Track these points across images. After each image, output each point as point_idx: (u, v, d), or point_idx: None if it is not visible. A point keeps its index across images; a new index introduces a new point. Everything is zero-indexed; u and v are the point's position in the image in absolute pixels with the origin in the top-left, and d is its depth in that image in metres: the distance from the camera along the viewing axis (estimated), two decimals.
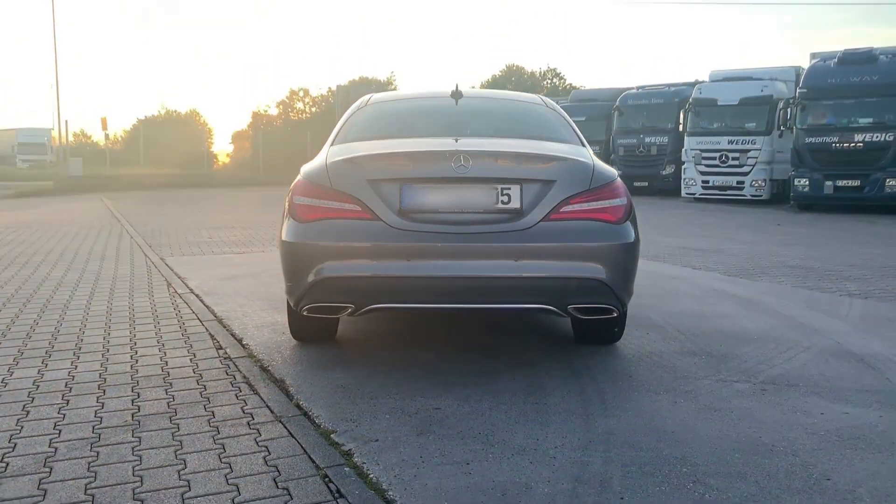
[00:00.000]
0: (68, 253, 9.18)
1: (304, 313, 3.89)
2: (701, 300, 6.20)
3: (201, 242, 10.30)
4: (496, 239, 3.67)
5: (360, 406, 3.52)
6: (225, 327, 5.15)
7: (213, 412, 3.51)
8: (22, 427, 3.32)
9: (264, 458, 2.97)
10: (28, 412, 3.51)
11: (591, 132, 27.92)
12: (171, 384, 3.92)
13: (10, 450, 3.06)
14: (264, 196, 22.10)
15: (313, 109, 54.65)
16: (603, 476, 2.79)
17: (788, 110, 19.17)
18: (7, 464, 2.93)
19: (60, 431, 3.26)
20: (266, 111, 57.71)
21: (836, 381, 3.97)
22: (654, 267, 8.10)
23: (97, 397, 3.72)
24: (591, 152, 4.32)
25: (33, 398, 3.70)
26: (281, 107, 57.74)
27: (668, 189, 23.62)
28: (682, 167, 22.42)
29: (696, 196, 21.54)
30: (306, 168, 4.06)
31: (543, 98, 5.20)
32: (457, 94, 4.77)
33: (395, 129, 4.59)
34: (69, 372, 4.12)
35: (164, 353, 4.52)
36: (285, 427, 3.28)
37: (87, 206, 18.37)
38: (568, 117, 4.80)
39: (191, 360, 4.37)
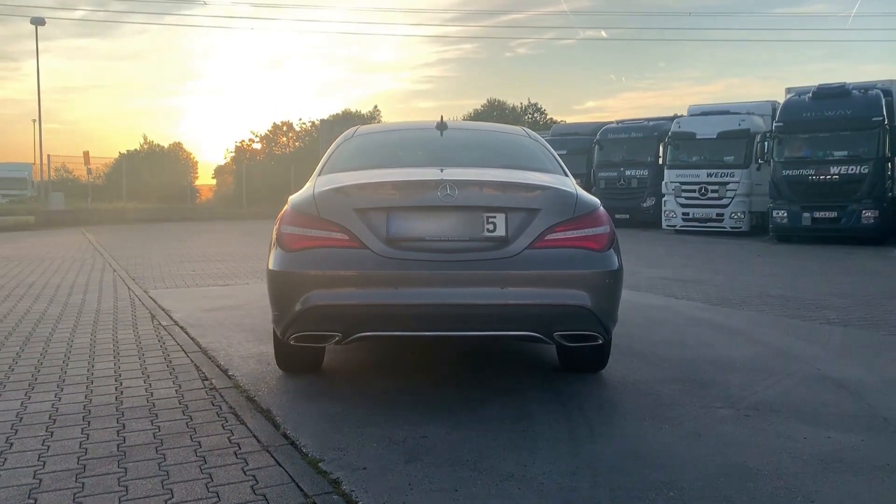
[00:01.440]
0: (50, 286, 9.12)
1: (292, 342, 3.90)
2: (683, 329, 6.26)
3: (185, 275, 10.26)
4: (482, 266, 3.72)
5: (347, 435, 3.52)
6: (210, 358, 5.14)
7: (199, 442, 3.49)
8: (5, 459, 3.29)
9: (252, 487, 2.96)
10: (11, 444, 3.48)
11: (572, 165, 27.86)
12: (156, 415, 3.90)
13: None
14: (248, 229, 22.07)
15: (297, 143, 54.92)
16: (592, 501, 2.80)
17: (766, 143, 19.57)
18: None
19: (45, 463, 3.24)
20: (249, 144, 58.00)
21: (819, 406, 4.03)
22: (636, 297, 8.17)
23: (81, 428, 3.70)
24: (574, 182, 4.39)
25: (16, 430, 3.67)
26: (264, 141, 58.03)
27: (650, 221, 23.90)
28: (663, 199, 22.70)
29: (677, 228, 21.77)
30: (294, 198, 4.10)
31: (526, 129, 5.29)
32: (441, 126, 4.85)
33: (382, 159, 4.65)
34: (53, 404, 4.09)
35: (150, 384, 4.50)
36: (272, 456, 3.27)
37: (68, 239, 18.24)
38: (550, 148, 4.89)
39: (176, 391, 4.35)
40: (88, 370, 4.83)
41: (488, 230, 3.80)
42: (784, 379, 4.59)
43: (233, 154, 53.07)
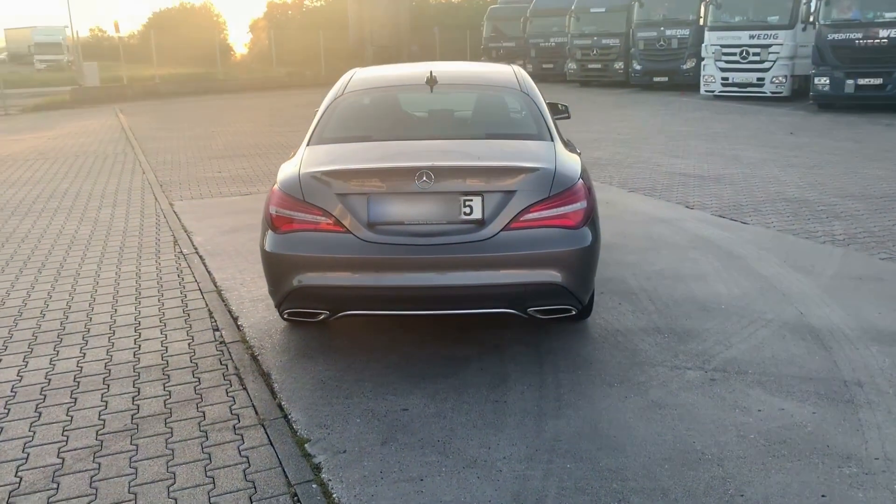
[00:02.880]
0: (82, 195, 9.52)
1: (285, 316, 4.20)
2: (682, 254, 6.39)
3: (210, 179, 10.55)
4: (458, 250, 3.89)
5: (335, 408, 3.87)
6: (224, 301, 5.49)
7: (203, 413, 3.88)
8: (34, 433, 3.72)
9: (244, 471, 3.34)
10: (40, 414, 3.91)
11: (610, 25, 27.31)
12: (168, 377, 4.30)
13: (24, 461, 3.47)
14: (277, 104, 22.09)
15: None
16: (539, 493, 3.13)
17: (812, 4, 18.52)
18: (20, 478, 3.34)
19: (68, 438, 3.66)
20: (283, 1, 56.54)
21: (785, 366, 4.23)
22: (647, 206, 8.25)
23: (102, 394, 4.11)
24: (560, 147, 4.45)
25: (45, 395, 4.10)
26: None
27: (689, 84, 23.18)
28: (702, 63, 21.90)
29: (716, 93, 21.15)
30: (282, 175, 4.25)
31: (517, 73, 5.24)
32: (431, 81, 4.86)
33: (368, 128, 4.74)
34: (78, 363, 4.50)
35: (166, 335, 4.90)
36: (266, 433, 3.64)
37: (101, 123, 18.59)
38: (540, 102, 4.88)
39: (189, 344, 4.73)
40: (111, 317, 5.24)
41: (465, 213, 3.94)
42: (762, 328, 4.77)
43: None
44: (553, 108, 6.64)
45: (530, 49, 31.53)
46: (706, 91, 21.53)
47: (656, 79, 25.08)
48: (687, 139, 13.46)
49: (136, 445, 3.59)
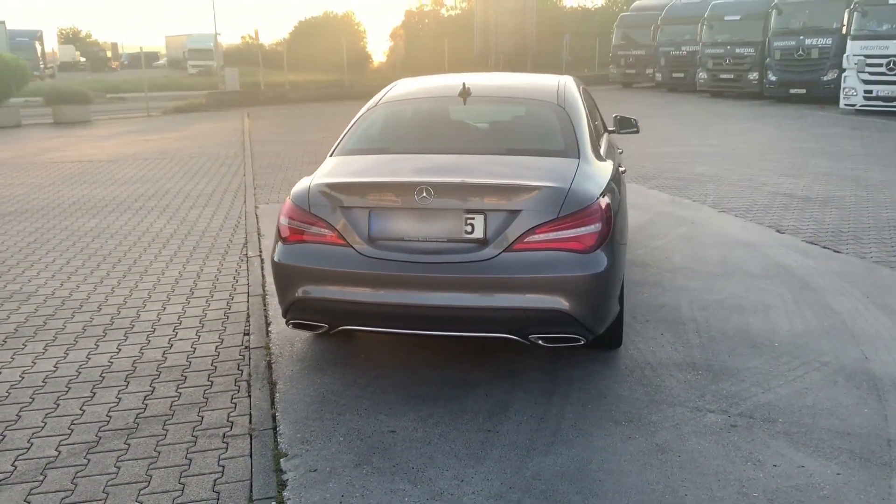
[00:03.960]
0: (180, 195, 10.03)
1: (290, 325, 4.19)
2: (753, 283, 5.90)
3: None
4: (458, 270, 3.74)
5: (324, 422, 3.81)
6: (265, 305, 5.58)
7: (202, 417, 3.93)
8: (45, 424, 3.90)
9: (215, 481, 3.34)
10: (58, 405, 4.09)
11: (745, 33, 25.96)
12: (185, 378, 4.39)
13: (25, 451, 3.64)
14: None
15: (464, 5, 54.09)
16: None
17: None
18: (15, 468, 3.49)
19: (72, 432, 3.80)
20: (421, 8, 57.90)
21: (824, 416, 3.79)
22: (733, 228, 7.72)
23: (119, 391, 4.25)
24: (587, 165, 4.21)
25: (69, 388, 4.29)
26: (435, 3, 57.59)
27: (829, 97, 21.61)
28: (843, 75, 20.36)
29: (857, 107, 19.60)
30: (296, 186, 4.25)
31: (561, 86, 4.99)
32: (465, 94, 4.73)
33: (390, 140, 4.68)
34: (110, 358, 4.70)
35: (199, 335, 5.03)
36: (251, 443, 3.64)
37: (226, 126, 19.59)
38: (577, 117, 4.62)
39: (216, 347, 4.83)
40: (158, 315, 5.44)
41: (466, 231, 3.79)
42: (813, 371, 4.31)
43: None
44: (624, 122, 6.35)
45: (660, 58, 30.54)
46: (846, 105, 20.01)
47: (793, 91, 23.59)
48: (807, 157, 12.52)
49: (129, 445, 3.68)
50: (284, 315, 4.19)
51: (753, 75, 25.51)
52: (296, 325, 4.14)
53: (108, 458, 3.57)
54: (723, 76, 26.76)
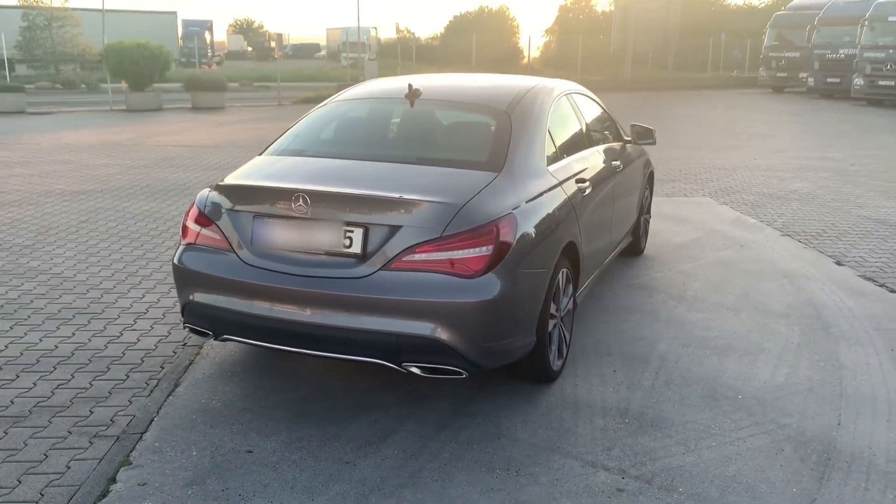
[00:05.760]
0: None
1: (186, 329, 4.07)
2: (762, 322, 5.19)
3: None
4: (330, 286, 3.47)
5: (190, 435, 3.65)
6: None
7: (92, 412, 3.89)
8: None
9: (49, 482, 3.27)
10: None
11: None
12: (108, 370, 4.38)
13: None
14: None
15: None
16: None
17: None
18: None
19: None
20: (574, 3, 56.93)
21: (735, 493, 3.20)
22: (782, 255, 6.87)
23: (41, 377, 4.27)
24: (513, 181, 3.79)
25: (1, 368, 4.41)
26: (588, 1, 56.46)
27: None
28: None
29: None
30: (203, 189, 4.13)
31: (522, 93, 4.52)
32: (412, 96, 4.42)
33: (311, 142, 4.44)
34: (59, 342, 4.78)
35: (152, 328, 5.04)
36: (111, 446, 3.55)
37: None
38: (523, 128, 4.15)
39: (158, 341, 4.81)
40: (131, 303, 5.52)
41: (345, 245, 3.51)
42: (760, 434, 3.68)
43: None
44: (642, 133, 5.82)
45: (814, 61, 28.24)
46: None
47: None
48: None
49: (6, 434, 3.69)
50: (182, 318, 4.08)
51: None
52: (190, 330, 4.02)
53: None
54: (882, 83, 24.37)
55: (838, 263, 6.62)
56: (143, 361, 4.53)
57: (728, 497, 3.17)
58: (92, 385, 4.21)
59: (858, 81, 24.99)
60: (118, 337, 4.90)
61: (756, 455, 3.49)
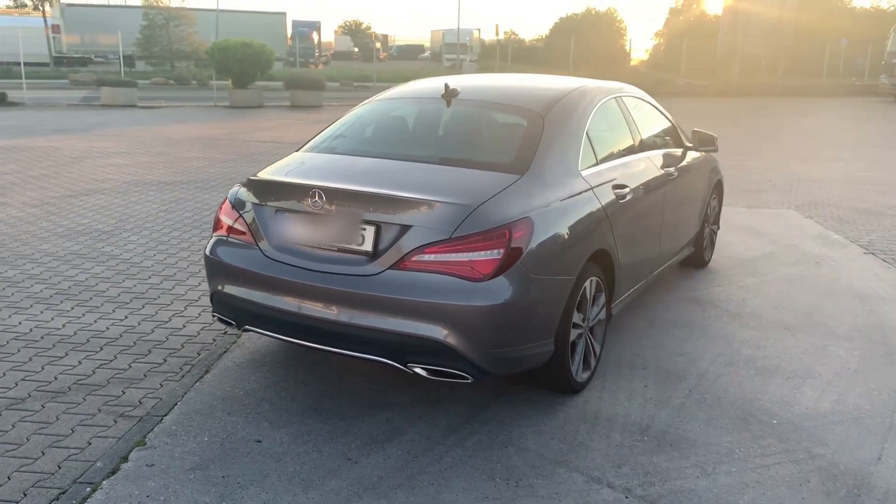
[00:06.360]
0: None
1: (215, 319, 4.18)
2: (819, 344, 4.87)
3: None
4: (340, 283, 3.48)
5: (206, 420, 3.75)
6: None
7: (124, 392, 4.06)
8: (3, 375, 4.26)
9: (68, 457, 3.43)
10: (30, 360, 4.45)
11: None
12: (149, 352, 4.57)
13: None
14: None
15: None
16: None
17: None
18: None
19: (14, 387, 4.11)
20: (688, 6, 55.41)
21: None
22: (866, 274, 6.43)
23: (87, 356, 4.50)
24: (536, 184, 3.69)
25: (54, 346, 4.66)
26: (698, 4, 54.82)
27: None
28: None
29: None
30: (236, 185, 4.22)
31: (562, 94, 4.39)
32: (448, 96, 4.39)
33: (345, 140, 4.46)
34: (112, 324, 5.02)
35: (199, 315, 5.21)
36: (132, 426, 3.69)
37: None
38: (556, 131, 4.03)
39: (202, 328, 4.98)
40: (187, 290, 5.74)
41: (357, 242, 3.51)
42: (787, 463, 3.44)
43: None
44: (705, 139, 5.61)
45: None
46: None
47: None
48: None
49: (42, 408, 3.89)
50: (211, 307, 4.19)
51: None
52: (218, 319, 4.12)
53: (13, 417, 3.80)
54: None
55: None
56: (182, 347, 4.68)
57: None
58: (130, 367, 4.39)
59: None
60: (166, 322, 5.09)
61: (778, 484, 3.27)
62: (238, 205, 3.94)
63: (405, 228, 3.42)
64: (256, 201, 3.85)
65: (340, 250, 3.56)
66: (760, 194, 10.20)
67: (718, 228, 6.87)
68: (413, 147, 4.32)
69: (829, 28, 36.29)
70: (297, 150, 4.48)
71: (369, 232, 3.48)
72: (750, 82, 32.83)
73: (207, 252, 4.05)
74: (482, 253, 3.33)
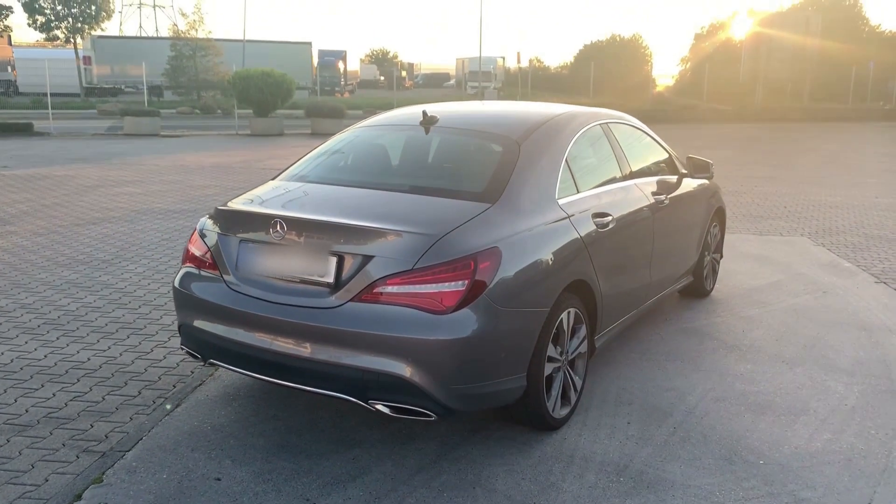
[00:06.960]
0: None
1: (183, 352, 4.09)
2: (817, 378, 4.66)
3: None
4: (300, 315, 3.38)
5: (168, 456, 3.64)
6: None
7: (92, 426, 3.98)
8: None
9: (21, 494, 3.34)
10: (4, 392, 4.41)
11: None
12: (125, 384, 4.50)
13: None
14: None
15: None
16: None
17: None
18: None
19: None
20: (713, 33, 55.22)
21: None
22: (875, 305, 6.20)
23: (63, 387, 4.44)
24: (507, 214, 3.57)
25: (32, 377, 4.61)
26: (723, 30, 54.58)
27: None
28: None
29: None
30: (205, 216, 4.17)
31: (544, 121, 4.29)
32: (426, 123, 4.32)
33: (316, 167, 4.38)
34: (93, 354, 4.97)
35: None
36: (93, 462, 3.60)
37: None
38: (533, 159, 3.92)
39: (182, 360, 4.90)
40: (173, 321, 5.68)
41: (319, 274, 3.41)
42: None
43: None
44: (699, 165, 5.47)
45: None
46: None
47: None
48: None
49: (7, 441, 3.83)
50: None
51: None
52: (186, 352, 4.03)
53: None
54: None
55: None
56: (159, 379, 4.61)
57: None
58: (104, 399, 4.31)
59: None
60: (147, 353, 5.02)
61: None
62: (205, 235, 3.87)
63: (367, 259, 3.31)
64: (221, 231, 3.78)
65: (303, 282, 3.47)
66: (771, 221, 9.98)
67: (721, 257, 6.68)
68: (385, 175, 4.24)
69: (855, 52, 35.85)
70: (272, 179, 4.41)
71: (331, 263, 3.39)
72: (773, 106, 32.48)
73: (176, 283, 3.98)
74: (446, 284, 3.22)
